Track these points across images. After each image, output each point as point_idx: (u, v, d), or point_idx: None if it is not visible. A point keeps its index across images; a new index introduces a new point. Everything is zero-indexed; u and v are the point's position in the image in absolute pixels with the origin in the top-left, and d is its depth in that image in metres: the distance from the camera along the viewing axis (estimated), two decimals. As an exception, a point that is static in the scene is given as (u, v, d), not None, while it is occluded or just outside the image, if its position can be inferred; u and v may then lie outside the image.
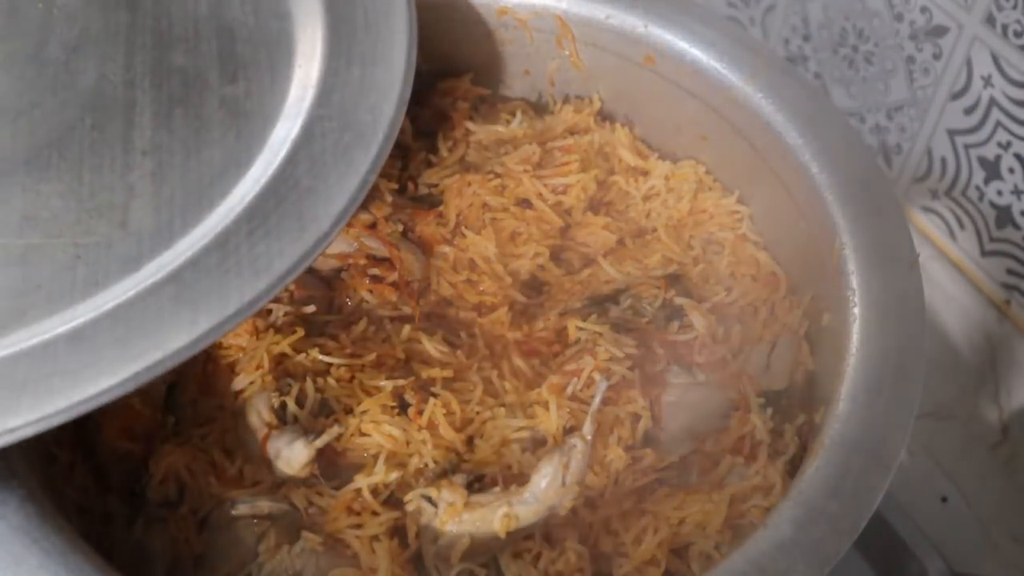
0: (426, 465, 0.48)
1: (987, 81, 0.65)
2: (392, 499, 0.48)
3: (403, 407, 0.49)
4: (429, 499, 0.46)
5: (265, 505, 0.47)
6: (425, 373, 0.51)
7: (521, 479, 0.48)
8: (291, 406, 0.49)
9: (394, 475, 0.47)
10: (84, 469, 0.49)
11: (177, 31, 0.52)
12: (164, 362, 0.41)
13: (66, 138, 0.48)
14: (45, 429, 0.40)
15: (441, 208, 0.57)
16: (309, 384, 0.49)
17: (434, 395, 0.50)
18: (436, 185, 0.58)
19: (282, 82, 0.51)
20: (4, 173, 0.46)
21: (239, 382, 0.50)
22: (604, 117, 0.62)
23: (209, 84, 0.50)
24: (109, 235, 0.45)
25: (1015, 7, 0.62)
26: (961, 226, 0.72)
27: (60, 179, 0.47)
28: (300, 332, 0.51)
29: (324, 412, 0.50)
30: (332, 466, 0.49)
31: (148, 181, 0.47)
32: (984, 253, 0.71)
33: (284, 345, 0.51)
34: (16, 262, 0.45)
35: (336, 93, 0.50)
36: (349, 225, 0.51)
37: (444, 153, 0.60)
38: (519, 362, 0.52)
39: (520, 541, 0.47)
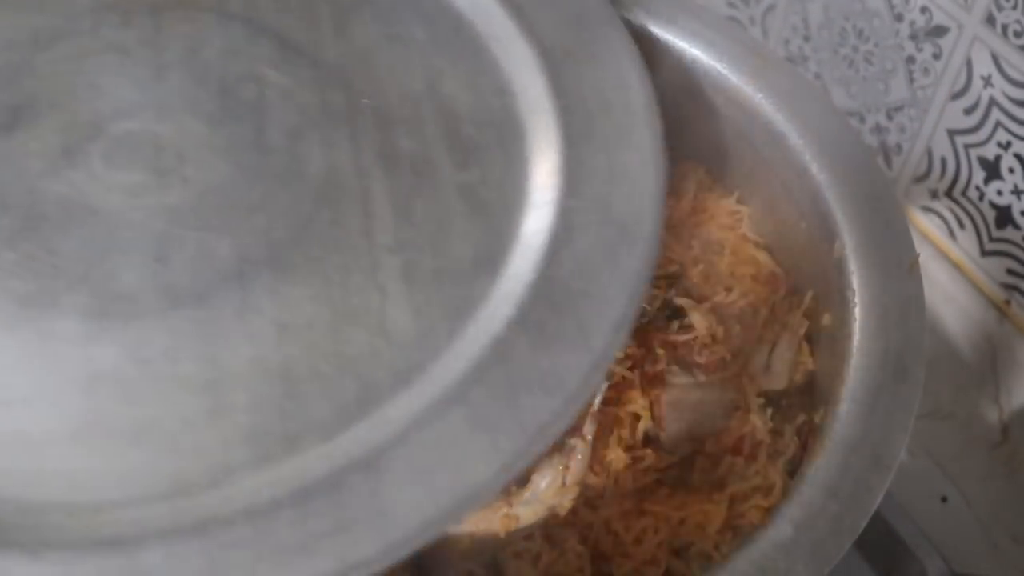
0: (426, 465, 0.48)
1: (987, 81, 0.65)
2: (392, 499, 0.48)
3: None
4: (429, 499, 0.46)
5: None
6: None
7: (521, 479, 0.48)
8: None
9: (394, 475, 0.47)
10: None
11: (397, 111, 0.47)
12: (472, 499, 0.37)
13: (306, 235, 0.43)
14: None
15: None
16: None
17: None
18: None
19: (519, 167, 0.46)
20: (250, 276, 0.42)
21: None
22: (604, 117, 0.62)
23: (441, 170, 0.46)
24: (372, 344, 0.40)
25: (1015, 7, 0.62)
26: (961, 226, 0.72)
27: (308, 281, 0.42)
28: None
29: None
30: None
31: (399, 281, 0.42)
32: (984, 253, 0.71)
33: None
34: (278, 378, 0.39)
35: (586, 182, 0.45)
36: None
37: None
38: (519, 362, 0.52)
39: (520, 541, 0.47)
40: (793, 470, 0.49)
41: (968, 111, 0.67)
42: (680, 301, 0.54)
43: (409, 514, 0.36)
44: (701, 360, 0.53)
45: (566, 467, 0.47)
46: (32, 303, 0.41)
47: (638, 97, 0.48)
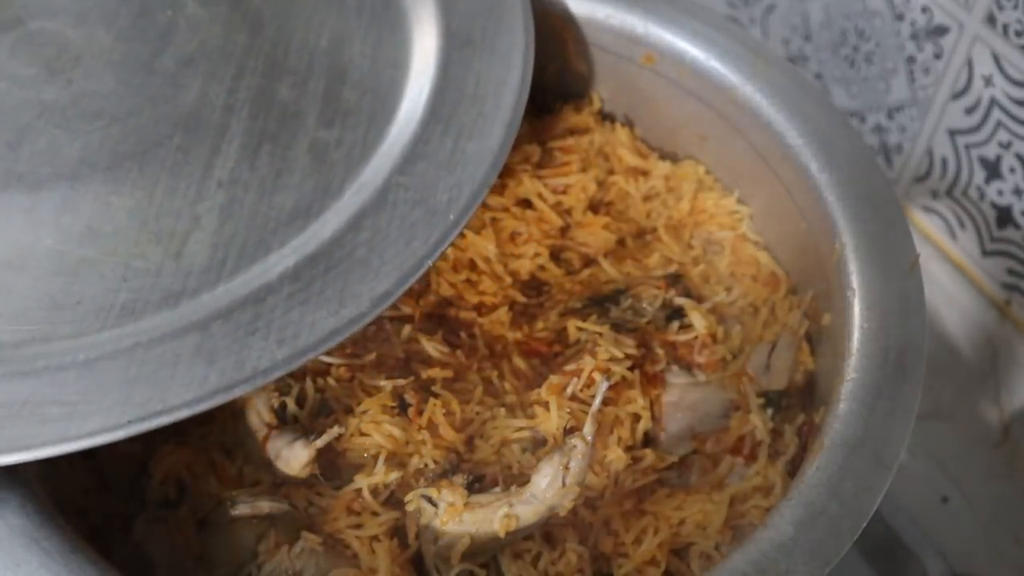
0: (426, 465, 0.48)
1: (988, 81, 0.65)
2: (392, 499, 0.48)
3: (403, 407, 0.49)
4: (429, 499, 0.46)
5: (265, 505, 0.47)
6: (425, 373, 0.51)
7: (521, 479, 0.48)
8: (291, 406, 0.49)
9: (394, 475, 0.47)
10: (84, 469, 0.49)
11: (291, 62, 0.51)
12: (162, 415, 0.40)
13: (150, 153, 0.47)
14: (24, 460, 0.39)
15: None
16: (309, 384, 0.49)
17: (434, 395, 0.49)
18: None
19: (375, 138, 0.49)
20: (82, 178, 0.46)
21: (239, 382, 0.50)
22: (604, 117, 0.62)
23: (305, 124, 0.49)
24: (160, 264, 0.44)
25: (1016, 7, 0.62)
26: (962, 226, 0.72)
27: (132, 195, 0.46)
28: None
29: (324, 412, 0.50)
30: (332, 466, 0.49)
31: (215, 215, 0.46)
32: (985, 253, 0.71)
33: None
34: (67, 272, 0.44)
35: (422, 162, 0.48)
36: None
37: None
38: (519, 362, 0.52)
39: (520, 542, 0.47)
40: (793, 470, 0.49)
41: (969, 111, 0.67)
42: (680, 301, 0.54)
43: (96, 415, 0.40)
44: (701, 360, 0.53)
45: (566, 467, 0.46)
46: None
47: (508, 95, 0.51)
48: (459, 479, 0.47)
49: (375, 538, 0.47)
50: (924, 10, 0.67)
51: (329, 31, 0.52)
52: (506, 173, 0.57)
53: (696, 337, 0.53)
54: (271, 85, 0.50)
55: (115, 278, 0.44)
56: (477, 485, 0.48)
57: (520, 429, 0.50)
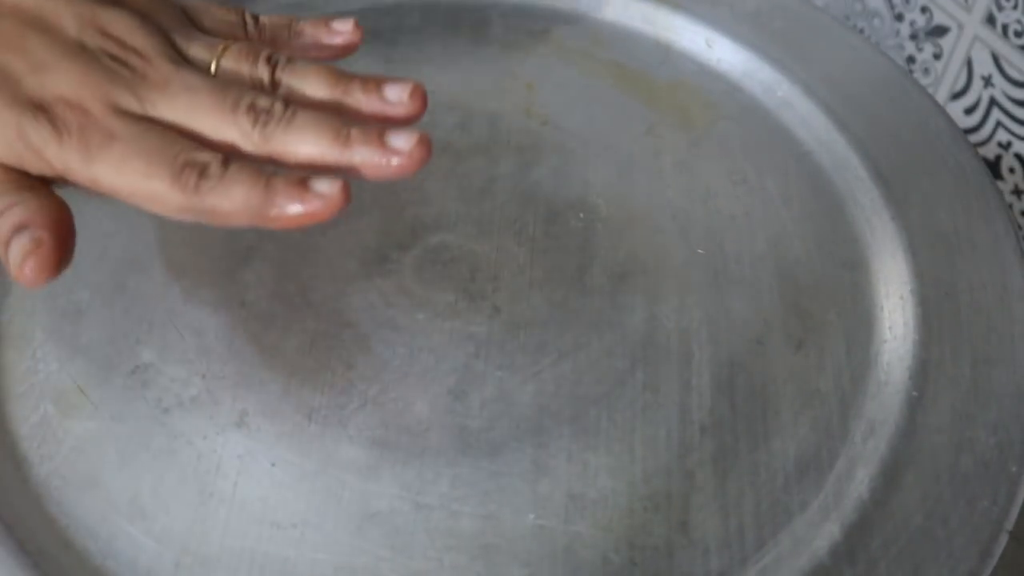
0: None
1: (987, 81, 0.67)
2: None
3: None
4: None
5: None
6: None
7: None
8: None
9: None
10: None
11: (732, 268, 0.44)
12: None
13: (615, 395, 0.40)
14: None
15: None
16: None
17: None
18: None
19: (862, 361, 0.41)
20: (547, 432, 0.38)
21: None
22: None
23: (773, 347, 0.42)
24: (668, 539, 0.36)
25: (1015, 7, 0.63)
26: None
27: (609, 450, 0.38)
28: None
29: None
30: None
31: (709, 469, 0.38)
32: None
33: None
34: (561, 555, 0.36)
35: (942, 395, 0.40)
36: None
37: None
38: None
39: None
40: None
41: (968, 111, 0.69)
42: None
43: None
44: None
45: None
46: (321, 419, 0.39)
47: (1018, 300, 0.43)
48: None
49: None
50: (924, 10, 0.68)
51: (760, 229, 0.46)
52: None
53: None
54: (722, 299, 0.43)
55: (621, 561, 0.36)
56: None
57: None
